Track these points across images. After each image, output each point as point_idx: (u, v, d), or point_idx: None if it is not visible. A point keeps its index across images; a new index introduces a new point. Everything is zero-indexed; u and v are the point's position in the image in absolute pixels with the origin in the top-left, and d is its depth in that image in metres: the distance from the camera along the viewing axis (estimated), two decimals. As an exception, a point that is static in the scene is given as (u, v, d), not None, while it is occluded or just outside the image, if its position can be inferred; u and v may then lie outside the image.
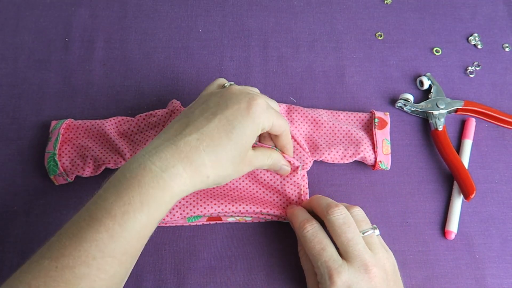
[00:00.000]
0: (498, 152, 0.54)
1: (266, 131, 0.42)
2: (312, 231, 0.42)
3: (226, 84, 0.45)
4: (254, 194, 0.49)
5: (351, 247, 0.40)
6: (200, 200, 0.47)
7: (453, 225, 0.49)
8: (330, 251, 0.41)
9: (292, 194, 0.49)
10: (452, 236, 0.49)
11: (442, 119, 0.54)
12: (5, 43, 0.58)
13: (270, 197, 0.49)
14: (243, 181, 0.49)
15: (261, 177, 0.49)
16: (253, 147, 0.43)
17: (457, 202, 0.50)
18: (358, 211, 0.44)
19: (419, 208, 0.51)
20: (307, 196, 0.49)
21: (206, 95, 0.42)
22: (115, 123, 0.51)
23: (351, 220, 0.42)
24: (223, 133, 0.37)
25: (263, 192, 0.49)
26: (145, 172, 0.34)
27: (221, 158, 0.37)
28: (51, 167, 0.48)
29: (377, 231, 0.43)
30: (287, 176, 0.49)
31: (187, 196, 0.48)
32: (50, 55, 0.58)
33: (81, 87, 0.56)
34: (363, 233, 0.42)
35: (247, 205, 0.47)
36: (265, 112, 0.40)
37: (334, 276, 0.39)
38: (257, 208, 0.47)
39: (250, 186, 0.49)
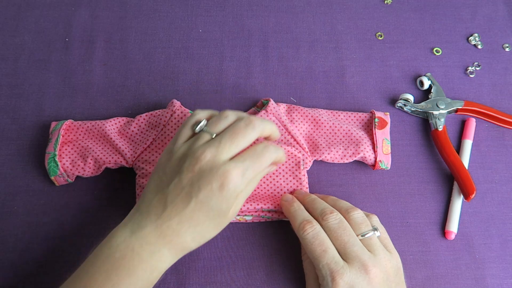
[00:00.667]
0: (498, 152, 0.54)
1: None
2: (312, 233, 0.42)
3: (196, 129, 0.41)
4: (255, 191, 0.49)
5: (348, 249, 0.41)
6: None
7: (453, 225, 0.49)
8: (331, 253, 0.41)
9: (294, 190, 0.49)
10: (452, 236, 0.49)
11: (442, 119, 0.54)
12: (5, 43, 0.58)
13: (271, 192, 0.49)
14: None
15: (263, 180, 0.50)
16: None
17: (457, 202, 0.50)
18: (357, 213, 0.44)
19: (419, 208, 0.51)
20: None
21: (178, 159, 0.40)
22: (115, 123, 0.51)
23: (345, 224, 0.42)
24: (201, 214, 0.38)
25: (265, 187, 0.49)
26: (133, 254, 0.37)
27: (202, 233, 0.40)
28: (51, 168, 0.48)
29: (377, 233, 0.43)
30: (289, 170, 0.49)
31: None
32: (50, 55, 0.58)
33: (81, 87, 0.56)
34: (362, 235, 0.42)
35: (247, 202, 0.47)
36: (241, 183, 0.39)
37: (336, 277, 0.39)
38: (258, 204, 0.47)
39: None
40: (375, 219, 0.45)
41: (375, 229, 0.43)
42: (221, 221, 0.40)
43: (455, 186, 0.51)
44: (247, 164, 0.39)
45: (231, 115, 0.42)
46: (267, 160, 0.40)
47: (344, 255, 0.41)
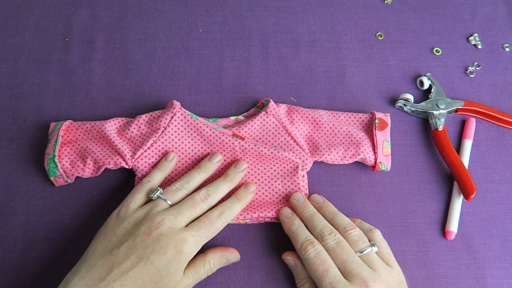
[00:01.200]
0: (498, 152, 0.54)
1: None
2: (314, 253, 0.43)
3: (152, 196, 0.44)
4: (253, 197, 0.48)
5: (348, 267, 0.41)
6: None
7: (453, 225, 0.49)
8: (333, 272, 0.41)
9: (292, 194, 0.49)
10: (452, 236, 0.49)
11: (442, 119, 0.54)
12: (5, 43, 0.58)
13: (270, 198, 0.49)
14: (242, 184, 0.49)
15: (261, 177, 0.49)
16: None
17: (457, 202, 0.50)
18: (354, 231, 0.44)
19: (419, 208, 0.51)
20: (307, 196, 0.49)
21: (132, 223, 0.41)
22: (115, 124, 0.51)
23: (343, 243, 0.43)
24: (147, 277, 0.39)
25: (263, 193, 0.49)
26: None
27: None
28: (51, 168, 0.48)
29: (375, 248, 0.44)
30: (287, 176, 0.49)
31: None
32: (50, 55, 0.58)
33: (81, 87, 0.56)
34: (360, 252, 0.43)
35: (244, 211, 0.47)
36: (194, 250, 0.42)
37: None
38: (255, 213, 0.47)
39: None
40: (377, 234, 0.45)
41: (372, 245, 0.44)
42: (163, 286, 0.40)
43: (455, 186, 0.51)
44: (201, 232, 0.42)
45: (185, 188, 0.45)
46: (220, 227, 0.44)
47: (345, 273, 0.41)
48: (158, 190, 0.44)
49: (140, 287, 0.39)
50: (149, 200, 0.44)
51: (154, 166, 0.49)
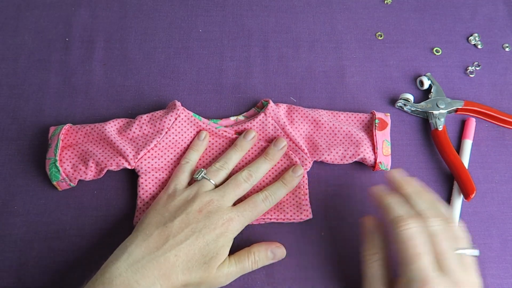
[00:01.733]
0: (498, 152, 0.54)
1: None
2: (412, 231, 0.38)
3: (197, 177, 0.47)
4: None
5: (446, 260, 0.38)
6: None
7: None
8: (428, 258, 0.37)
9: (292, 194, 0.49)
10: None
11: (442, 119, 0.54)
12: (5, 43, 0.58)
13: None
14: None
15: (262, 180, 0.50)
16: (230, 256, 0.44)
17: (457, 202, 0.50)
18: (458, 226, 0.41)
19: (419, 208, 0.51)
20: (307, 196, 0.49)
21: (182, 200, 0.44)
22: (115, 124, 0.51)
23: (449, 232, 0.39)
24: (197, 250, 0.41)
25: None
26: None
27: (190, 272, 0.41)
28: (53, 173, 0.48)
29: (476, 252, 0.40)
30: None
31: None
32: (50, 55, 0.58)
33: (81, 87, 0.56)
34: (460, 250, 0.39)
35: None
36: (239, 229, 0.44)
37: (429, 285, 0.36)
38: None
39: (251, 192, 0.49)
40: (460, 228, 0.41)
41: (473, 247, 0.40)
42: (209, 266, 0.41)
43: (455, 186, 0.51)
44: (246, 214, 0.44)
45: (226, 168, 0.48)
46: (264, 210, 0.46)
47: (440, 264, 0.38)
48: (202, 171, 0.47)
49: (191, 257, 0.41)
50: (193, 180, 0.47)
51: (158, 167, 0.49)
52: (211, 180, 0.46)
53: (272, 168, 0.50)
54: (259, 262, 0.45)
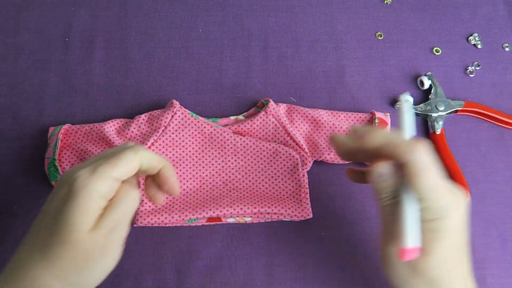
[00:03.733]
0: (498, 152, 0.54)
1: (122, 181, 0.34)
2: (429, 157, 0.34)
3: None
4: (254, 193, 0.49)
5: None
6: (199, 203, 0.47)
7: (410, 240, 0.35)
8: (446, 183, 0.35)
9: (293, 191, 0.49)
10: (412, 255, 0.35)
11: (441, 122, 0.54)
12: (5, 43, 0.58)
13: (270, 195, 0.49)
14: (243, 181, 0.50)
15: (263, 174, 0.50)
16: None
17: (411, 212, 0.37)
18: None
19: (419, 208, 0.51)
20: (308, 196, 0.49)
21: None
22: (114, 125, 0.51)
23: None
24: (41, 224, 0.33)
25: (263, 190, 0.49)
26: None
27: (46, 256, 0.32)
28: (51, 172, 0.48)
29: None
30: (288, 173, 0.49)
31: (186, 199, 0.48)
32: (50, 55, 0.58)
33: (81, 87, 0.56)
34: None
35: (245, 205, 0.47)
36: (92, 179, 0.32)
37: (458, 210, 0.34)
38: (255, 208, 0.47)
39: (250, 186, 0.49)
40: None
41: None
42: (67, 236, 0.31)
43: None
44: (99, 162, 0.33)
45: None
46: (126, 162, 0.34)
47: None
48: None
49: (43, 240, 0.32)
50: None
51: None
52: None
53: (272, 166, 0.50)
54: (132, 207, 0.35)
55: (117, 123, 0.51)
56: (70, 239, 0.31)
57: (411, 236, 0.34)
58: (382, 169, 0.36)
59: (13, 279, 0.33)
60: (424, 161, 0.34)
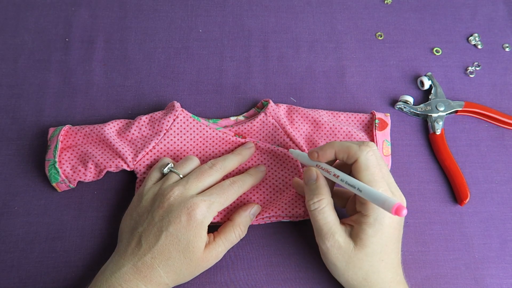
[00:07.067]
0: (498, 152, 0.54)
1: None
2: (374, 156, 0.41)
3: (164, 170, 0.45)
4: (254, 200, 0.48)
5: (391, 179, 0.43)
6: None
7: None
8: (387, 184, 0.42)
9: (293, 192, 0.49)
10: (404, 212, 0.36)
11: (441, 122, 0.54)
12: (5, 43, 0.58)
13: (271, 197, 0.49)
14: None
15: (263, 177, 0.50)
16: (214, 234, 0.44)
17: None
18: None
19: (419, 208, 0.51)
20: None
21: (149, 200, 0.44)
22: (114, 126, 0.50)
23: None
24: (172, 247, 0.41)
25: (265, 196, 0.49)
26: None
27: (174, 268, 0.41)
28: (52, 174, 0.48)
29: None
30: (288, 175, 0.49)
31: None
32: (50, 55, 0.58)
33: (81, 87, 0.56)
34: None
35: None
36: (208, 214, 0.42)
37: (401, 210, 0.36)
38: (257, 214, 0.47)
39: (250, 192, 0.49)
40: None
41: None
42: (191, 256, 0.41)
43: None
44: (213, 197, 0.43)
45: (195, 159, 0.47)
46: (232, 194, 0.44)
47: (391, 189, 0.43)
48: (169, 164, 0.46)
49: (168, 257, 0.41)
50: (163, 176, 0.46)
51: None
52: (179, 174, 0.45)
53: (272, 169, 0.50)
54: (245, 231, 0.45)
55: (118, 124, 0.51)
56: (193, 257, 0.41)
57: (387, 197, 0.36)
58: (311, 173, 0.43)
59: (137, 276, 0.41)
60: (369, 160, 0.40)
